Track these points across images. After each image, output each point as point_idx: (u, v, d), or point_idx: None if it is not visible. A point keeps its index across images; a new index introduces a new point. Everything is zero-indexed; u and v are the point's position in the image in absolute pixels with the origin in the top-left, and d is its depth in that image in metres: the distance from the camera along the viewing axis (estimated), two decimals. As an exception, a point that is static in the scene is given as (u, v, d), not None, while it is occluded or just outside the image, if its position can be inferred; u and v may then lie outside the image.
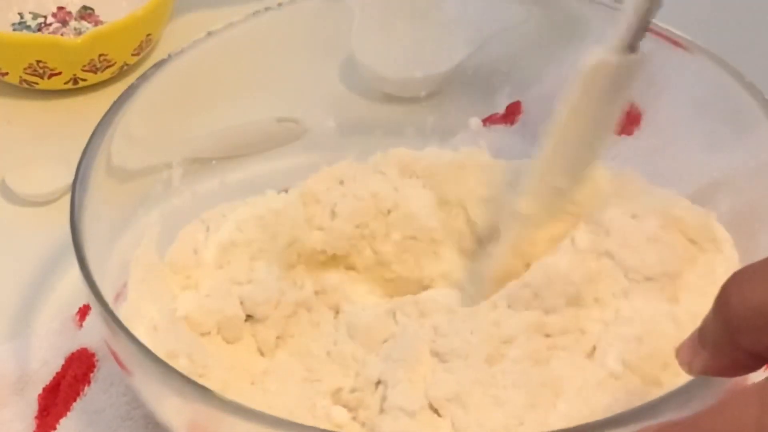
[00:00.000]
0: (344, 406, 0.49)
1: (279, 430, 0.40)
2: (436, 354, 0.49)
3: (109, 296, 0.47)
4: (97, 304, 0.46)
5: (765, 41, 0.71)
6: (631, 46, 0.49)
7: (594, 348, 0.49)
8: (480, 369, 0.47)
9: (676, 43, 0.57)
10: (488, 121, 0.64)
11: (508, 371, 0.47)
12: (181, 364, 0.47)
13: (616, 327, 0.49)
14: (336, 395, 0.49)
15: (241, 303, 0.53)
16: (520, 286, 0.51)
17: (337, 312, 0.55)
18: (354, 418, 0.48)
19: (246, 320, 0.53)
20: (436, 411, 0.47)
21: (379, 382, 0.48)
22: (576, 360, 0.49)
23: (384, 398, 0.47)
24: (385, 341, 0.52)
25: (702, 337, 0.37)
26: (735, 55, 0.55)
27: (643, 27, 0.49)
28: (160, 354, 0.44)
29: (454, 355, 0.48)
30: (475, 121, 0.63)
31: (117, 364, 0.47)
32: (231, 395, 0.42)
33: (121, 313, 0.46)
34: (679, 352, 0.38)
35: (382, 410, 0.47)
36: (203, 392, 0.42)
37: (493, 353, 0.48)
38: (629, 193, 0.55)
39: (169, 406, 0.46)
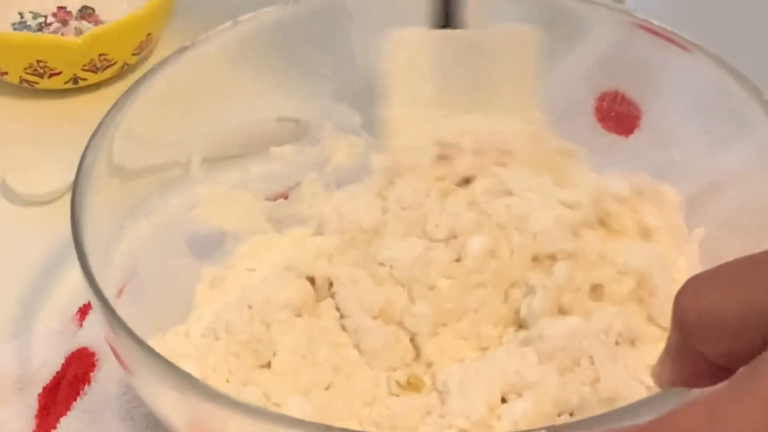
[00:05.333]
0: None
1: (280, 427, 0.40)
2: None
3: (110, 294, 0.47)
4: (97, 300, 0.45)
5: (765, 41, 0.71)
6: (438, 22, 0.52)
7: None
8: None
9: (675, 43, 0.57)
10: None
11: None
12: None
13: None
14: None
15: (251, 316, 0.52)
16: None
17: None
18: None
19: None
20: None
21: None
22: None
23: None
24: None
25: (666, 347, 0.36)
26: (735, 54, 0.55)
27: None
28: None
29: None
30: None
31: (117, 361, 0.47)
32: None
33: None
34: (652, 367, 0.38)
35: None
36: (205, 390, 0.42)
37: None
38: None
39: (170, 404, 0.45)
